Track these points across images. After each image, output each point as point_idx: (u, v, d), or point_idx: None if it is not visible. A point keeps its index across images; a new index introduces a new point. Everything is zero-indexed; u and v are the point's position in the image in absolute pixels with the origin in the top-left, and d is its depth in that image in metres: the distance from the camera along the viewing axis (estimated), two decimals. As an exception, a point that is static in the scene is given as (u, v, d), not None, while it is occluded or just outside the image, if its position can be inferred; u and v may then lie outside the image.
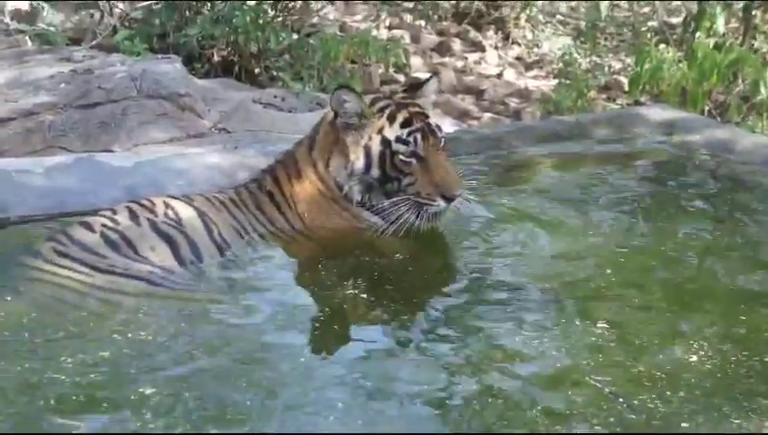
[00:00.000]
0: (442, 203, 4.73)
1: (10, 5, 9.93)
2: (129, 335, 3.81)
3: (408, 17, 12.66)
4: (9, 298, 4.02)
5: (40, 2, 9.89)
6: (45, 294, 4.09)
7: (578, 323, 4.07)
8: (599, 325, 4.00)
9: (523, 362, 3.77)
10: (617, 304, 4.26)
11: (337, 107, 4.83)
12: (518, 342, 3.92)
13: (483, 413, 3.43)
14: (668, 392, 3.51)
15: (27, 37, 9.40)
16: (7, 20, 9.71)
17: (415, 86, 5.29)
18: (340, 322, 4.15)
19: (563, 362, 3.73)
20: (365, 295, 4.29)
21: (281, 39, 9.54)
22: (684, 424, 3.35)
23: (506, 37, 12.37)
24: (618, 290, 4.41)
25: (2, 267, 4.27)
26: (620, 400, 3.46)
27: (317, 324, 4.09)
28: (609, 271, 4.61)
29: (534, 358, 3.80)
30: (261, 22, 9.49)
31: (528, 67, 11.76)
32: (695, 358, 3.75)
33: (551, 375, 3.67)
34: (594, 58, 11.70)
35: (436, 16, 12.58)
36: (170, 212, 4.61)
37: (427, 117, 4.91)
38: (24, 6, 10.12)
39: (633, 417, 3.38)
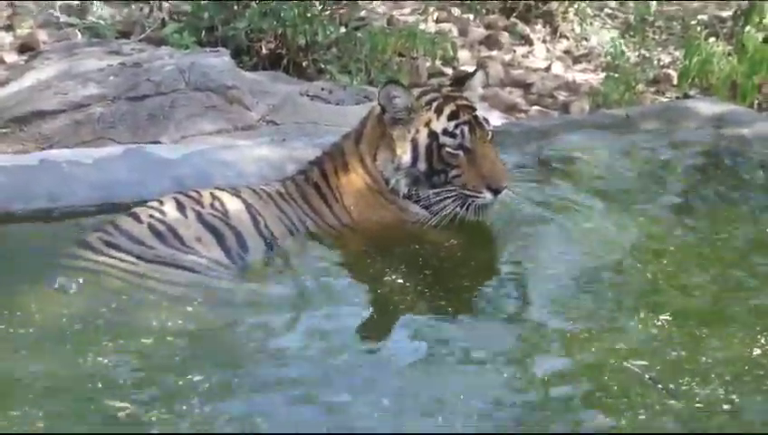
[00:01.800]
0: (489, 195, 4.73)
1: (61, -1, 10.02)
2: (175, 324, 3.86)
3: (456, 11, 12.64)
4: (58, 288, 4.06)
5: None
6: (93, 284, 4.13)
7: (623, 313, 4.11)
8: (644, 315, 4.01)
9: (564, 349, 3.83)
10: (664, 295, 4.27)
11: (385, 102, 4.83)
12: (561, 330, 3.98)
13: (524, 402, 3.45)
14: (713, 375, 3.51)
15: (77, 30, 9.47)
16: (57, 13, 9.78)
17: (461, 79, 5.29)
18: (387, 313, 4.17)
19: (605, 349, 3.75)
20: (411, 287, 4.32)
21: (329, 32, 9.54)
22: (724, 406, 3.34)
23: (554, 31, 12.30)
24: (665, 281, 4.42)
25: (51, 258, 4.32)
26: (659, 386, 3.45)
27: (363, 315, 4.14)
28: (657, 263, 4.60)
29: (576, 346, 3.83)
30: (309, 15, 9.50)
31: (576, 60, 11.69)
32: (757, 351, 3.73)
33: (592, 363, 3.69)
34: (643, 51, 11.62)
35: (483, 10, 12.54)
36: (217, 204, 4.64)
37: (474, 109, 4.90)
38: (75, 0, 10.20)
39: (673, 402, 3.37)
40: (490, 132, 4.88)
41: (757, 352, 3.73)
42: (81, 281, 4.10)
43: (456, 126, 4.79)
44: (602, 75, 10.47)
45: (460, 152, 4.76)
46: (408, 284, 4.33)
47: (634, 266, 4.61)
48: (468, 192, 4.73)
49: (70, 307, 3.93)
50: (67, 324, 3.80)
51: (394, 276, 4.38)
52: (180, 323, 3.87)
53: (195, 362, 3.61)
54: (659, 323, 3.94)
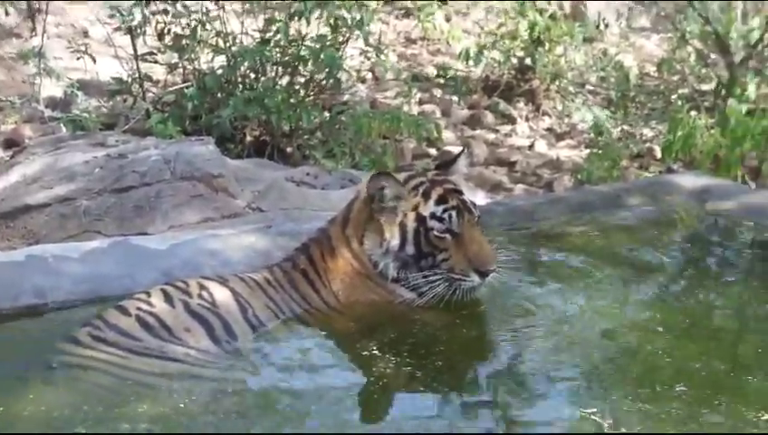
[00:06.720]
0: (476, 279, 4.74)
1: (44, 93, 10.06)
2: (165, 417, 3.82)
3: (438, 92, 12.74)
4: (47, 385, 4.03)
5: (73, 89, 10.02)
6: (83, 380, 4.10)
7: (614, 391, 4.06)
8: (639, 391, 3.99)
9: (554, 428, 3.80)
10: (658, 370, 4.23)
11: (375, 192, 4.84)
12: (556, 408, 3.94)
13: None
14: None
15: (61, 124, 9.51)
16: (41, 107, 9.83)
17: (446, 162, 5.31)
18: (380, 394, 4.13)
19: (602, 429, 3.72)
20: (402, 368, 4.29)
21: (312, 117, 9.60)
22: None
23: (537, 108, 12.41)
24: (658, 357, 4.38)
25: (40, 354, 4.28)
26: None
27: (356, 400, 4.10)
28: (647, 338, 4.58)
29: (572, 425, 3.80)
30: (292, 101, 9.57)
31: (559, 138, 11.78)
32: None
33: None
34: (625, 127, 11.71)
35: (466, 90, 12.64)
36: (204, 293, 4.62)
37: (461, 193, 4.92)
38: (59, 93, 10.25)
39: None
40: (477, 216, 4.90)
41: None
42: (70, 378, 4.09)
43: (444, 211, 4.80)
44: (586, 152, 10.54)
45: (447, 236, 4.77)
46: (397, 366, 4.31)
47: (625, 344, 4.60)
48: (456, 275, 4.74)
49: (59, 405, 3.89)
50: (56, 423, 3.76)
51: (383, 358, 4.35)
52: (169, 416, 3.83)
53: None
54: (656, 398, 3.93)
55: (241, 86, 9.88)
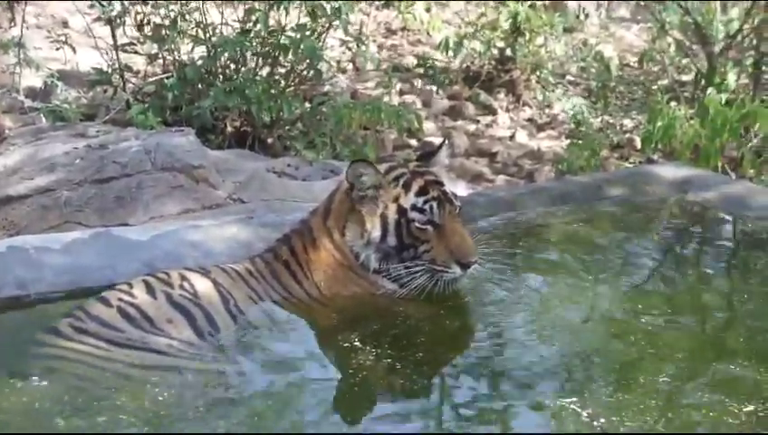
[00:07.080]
0: (458, 270, 4.74)
1: (24, 83, 10.01)
2: (147, 409, 3.81)
3: (419, 82, 12.74)
4: (29, 377, 4.01)
5: (53, 79, 9.98)
6: (64, 372, 4.08)
7: (596, 382, 4.07)
8: (620, 382, 4.00)
9: (539, 420, 3.79)
10: (641, 362, 4.24)
11: (354, 180, 4.84)
12: (537, 399, 3.94)
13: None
14: None
15: (42, 114, 9.47)
16: (21, 98, 9.79)
17: (428, 154, 5.30)
18: (362, 386, 4.13)
19: (582, 422, 3.72)
20: (384, 360, 4.27)
21: (293, 108, 9.59)
22: None
23: (517, 99, 12.42)
24: (640, 347, 4.38)
25: (21, 346, 4.27)
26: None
27: (337, 391, 4.09)
28: (628, 330, 4.58)
29: (552, 418, 3.80)
30: (273, 92, 9.55)
31: (540, 128, 11.80)
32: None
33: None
34: (606, 117, 11.74)
35: (446, 80, 12.65)
36: (186, 284, 4.61)
37: (442, 184, 4.92)
38: (38, 84, 10.21)
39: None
40: (458, 207, 4.90)
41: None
42: (52, 369, 4.07)
43: (425, 202, 4.80)
44: (566, 142, 10.56)
45: (429, 227, 4.77)
46: (379, 357, 4.30)
47: (606, 332, 4.60)
48: (437, 267, 4.74)
49: (41, 397, 3.88)
50: (37, 415, 3.75)
51: (365, 350, 4.34)
52: (152, 407, 3.82)
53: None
54: (637, 389, 3.94)
55: (221, 77, 9.86)
